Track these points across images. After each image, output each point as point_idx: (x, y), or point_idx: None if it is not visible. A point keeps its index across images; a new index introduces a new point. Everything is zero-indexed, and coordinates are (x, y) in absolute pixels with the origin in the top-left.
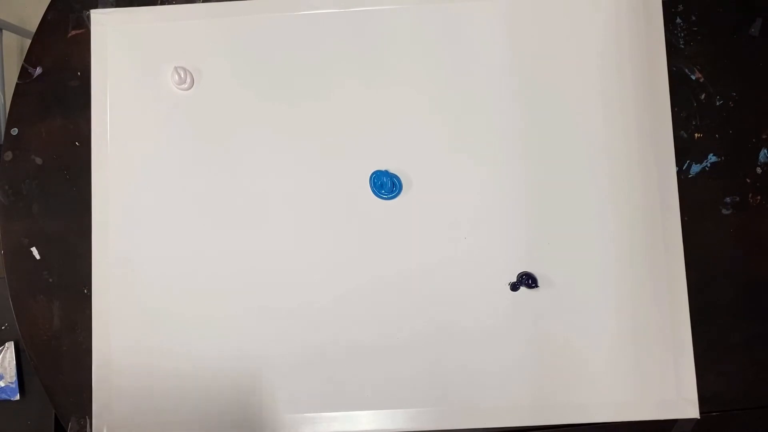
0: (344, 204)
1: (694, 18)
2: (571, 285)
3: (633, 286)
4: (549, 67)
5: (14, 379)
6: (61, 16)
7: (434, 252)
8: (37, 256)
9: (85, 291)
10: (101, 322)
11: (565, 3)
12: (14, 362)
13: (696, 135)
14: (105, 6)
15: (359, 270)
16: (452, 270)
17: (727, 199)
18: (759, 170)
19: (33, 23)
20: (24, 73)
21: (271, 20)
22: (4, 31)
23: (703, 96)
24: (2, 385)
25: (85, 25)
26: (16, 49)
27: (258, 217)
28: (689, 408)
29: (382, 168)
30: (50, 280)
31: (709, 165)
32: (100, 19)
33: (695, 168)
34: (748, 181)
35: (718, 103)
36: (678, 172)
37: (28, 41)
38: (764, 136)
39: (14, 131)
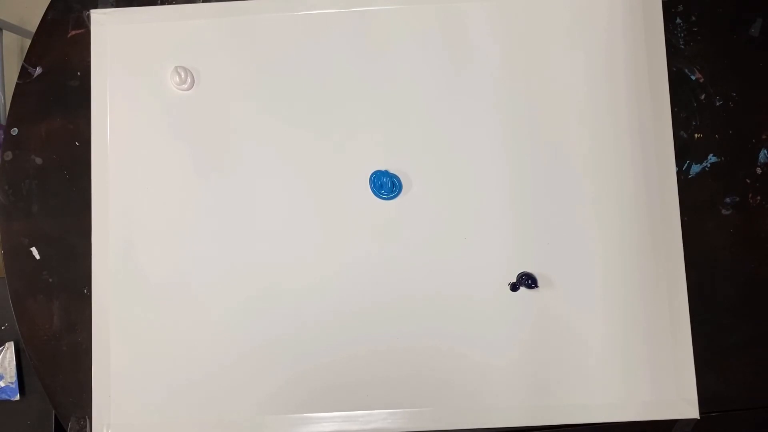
0: (344, 204)
1: (694, 18)
2: (571, 285)
3: (633, 286)
4: (549, 67)
5: (14, 379)
6: (61, 16)
7: (434, 252)
8: (37, 256)
9: (85, 291)
10: (101, 322)
11: (564, 3)
12: (14, 362)
13: (696, 135)
14: (105, 6)
15: (359, 270)
16: (452, 270)
17: (727, 199)
18: (759, 170)
19: (33, 23)
20: (24, 73)
21: (271, 20)
22: (4, 31)
23: (703, 96)
24: (2, 385)
25: (85, 25)
26: (16, 49)
27: (257, 217)
28: (689, 408)
29: (382, 168)
30: (50, 280)
31: (709, 165)
32: (100, 19)
33: (695, 168)
34: (748, 181)
35: (718, 103)
36: (678, 172)
37: (28, 41)
38: (764, 136)
39: (14, 131)
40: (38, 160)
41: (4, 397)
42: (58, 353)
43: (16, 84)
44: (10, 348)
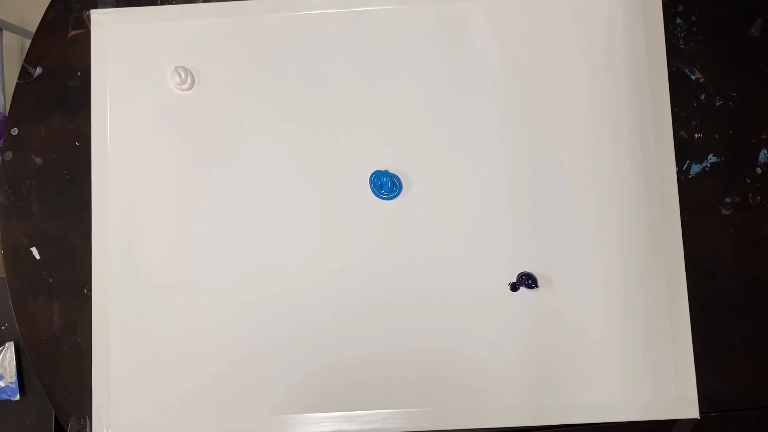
0: (344, 204)
1: (694, 18)
2: (571, 285)
3: (633, 286)
4: (549, 68)
5: (14, 379)
6: (61, 16)
7: (434, 252)
8: (37, 256)
9: (85, 291)
10: (101, 322)
11: (564, 3)
12: (14, 362)
13: (696, 135)
14: (105, 6)
15: (359, 270)
16: (452, 270)
17: (727, 199)
18: (759, 170)
19: (33, 23)
20: (24, 73)
21: (271, 20)
22: (4, 31)
23: (703, 96)
24: (2, 385)
25: (85, 25)
26: (16, 49)
27: (257, 217)
28: (689, 408)
29: (382, 168)
30: (50, 280)
31: (709, 165)
32: (100, 19)
33: (695, 168)
34: (748, 181)
35: (718, 103)
36: (678, 172)
37: (28, 41)
38: (764, 136)
39: (14, 131)
40: (38, 160)
41: (4, 397)
42: (58, 353)
43: (16, 84)
44: (10, 348)
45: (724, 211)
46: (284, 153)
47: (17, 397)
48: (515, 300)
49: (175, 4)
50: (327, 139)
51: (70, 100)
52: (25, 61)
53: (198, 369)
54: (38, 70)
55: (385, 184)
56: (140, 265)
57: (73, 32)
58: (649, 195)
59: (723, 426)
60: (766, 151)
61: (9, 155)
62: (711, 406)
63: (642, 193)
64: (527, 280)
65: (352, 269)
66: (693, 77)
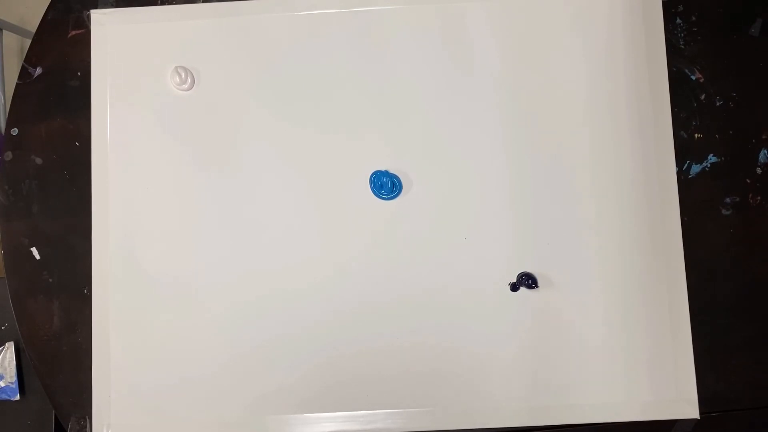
0: (344, 204)
1: (694, 18)
2: (571, 285)
3: (633, 286)
4: (549, 67)
5: (14, 379)
6: (61, 16)
7: (434, 252)
8: (37, 256)
9: (85, 291)
10: (101, 322)
11: (564, 3)
12: (14, 362)
13: (696, 135)
14: (105, 6)
15: (359, 270)
16: (452, 270)
17: (727, 199)
18: (759, 170)
19: (33, 23)
20: (24, 73)
21: (271, 20)
22: (4, 31)
23: (703, 96)
24: (2, 385)
25: (85, 25)
26: (16, 49)
27: (257, 217)
28: (689, 408)
29: (382, 168)
30: (50, 280)
31: (709, 165)
32: (100, 19)
33: (695, 168)
34: (748, 181)
35: (718, 103)
36: (678, 172)
37: (28, 41)
38: (764, 136)
39: (14, 131)
40: (38, 160)
41: (4, 397)
42: (58, 353)
43: (16, 84)
44: (10, 348)
45: (724, 211)
46: (284, 153)
47: (17, 397)
48: (515, 300)
49: (175, 4)
50: (327, 139)
51: (70, 100)
52: (25, 61)
53: (198, 369)
54: (38, 70)
55: (385, 184)
56: (140, 265)
57: (73, 32)
58: (649, 195)
59: (723, 426)
60: (766, 151)
61: (9, 155)
62: (711, 406)
63: (642, 194)
64: (527, 280)
65: (352, 269)
66: (693, 77)
